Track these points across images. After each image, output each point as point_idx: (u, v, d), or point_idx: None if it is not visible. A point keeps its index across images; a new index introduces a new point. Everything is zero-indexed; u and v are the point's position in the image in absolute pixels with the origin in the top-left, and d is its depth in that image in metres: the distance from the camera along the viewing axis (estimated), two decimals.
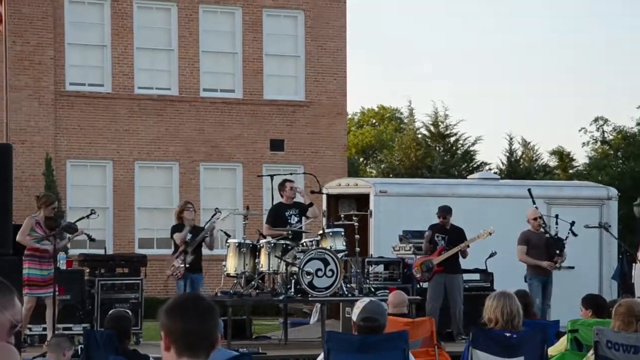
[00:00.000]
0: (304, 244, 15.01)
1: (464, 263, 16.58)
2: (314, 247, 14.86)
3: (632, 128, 38.60)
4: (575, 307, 10.84)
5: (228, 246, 15.17)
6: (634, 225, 27.98)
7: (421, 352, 10.32)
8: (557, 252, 16.03)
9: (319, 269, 14.60)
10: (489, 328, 8.67)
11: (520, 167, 37.73)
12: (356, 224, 16.00)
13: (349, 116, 45.95)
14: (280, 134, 27.08)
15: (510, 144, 38.51)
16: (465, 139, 37.88)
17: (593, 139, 39.38)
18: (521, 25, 71.72)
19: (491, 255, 16.63)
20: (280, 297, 14.84)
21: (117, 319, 9.07)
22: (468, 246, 15.75)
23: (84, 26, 25.93)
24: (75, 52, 25.83)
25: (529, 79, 69.93)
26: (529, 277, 15.97)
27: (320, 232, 15.46)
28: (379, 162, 46.14)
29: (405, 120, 45.18)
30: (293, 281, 14.64)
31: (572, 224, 16.30)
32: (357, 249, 16.03)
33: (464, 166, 36.79)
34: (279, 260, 14.68)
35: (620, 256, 18.80)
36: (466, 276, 17.12)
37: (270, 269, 14.75)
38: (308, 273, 14.54)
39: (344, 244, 15.28)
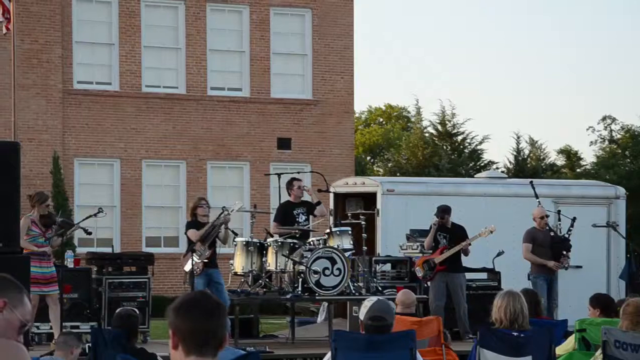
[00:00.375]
0: (311, 242, 15.01)
1: (471, 262, 16.56)
2: (321, 245, 14.85)
3: None
4: (583, 307, 10.83)
5: (235, 245, 15.17)
6: None
7: (429, 352, 10.31)
8: (564, 252, 16.01)
9: (326, 268, 14.60)
10: (496, 327, 8.67)
11: (528, 166, 37.65)
12: (363, 222, 15.99)
13: (356, 115, 45.92)
14: (287, 132, 27.09)
15: (518, 142, 38.44)
16: (473, 138, 37.82)
17: (601, 138, 39.32)
18: (529, 24, 71.67)
19: (499, 254, 16.62)
20: (288, 296, 14.84)
21: (125, 317, 9.08)
22: (469, 244, 15.72)
23: (92, 24, 25.96)
24: (83, 50, 25.86)
25: (537, 78, 69.87)
26: (533, 276, 15.94)
27: (328, 230, 15.45)
28: (386, 160, 46.10)
29: (413, 119, 45.14)
30: (300, 280, 14.64)
31: (574, 219, 16.30)
32: (365, 248, 16.02)
33: (471, 165, 36.72)
34: (286, 259, 14.68)
35: (628, 255, 18.77)
36: (473, 275, 17.11)
37: (278, 268, 14.75)
38: (315, 272, 14.54)
39: (351, 242, 15.28)
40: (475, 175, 27.42)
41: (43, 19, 25.28)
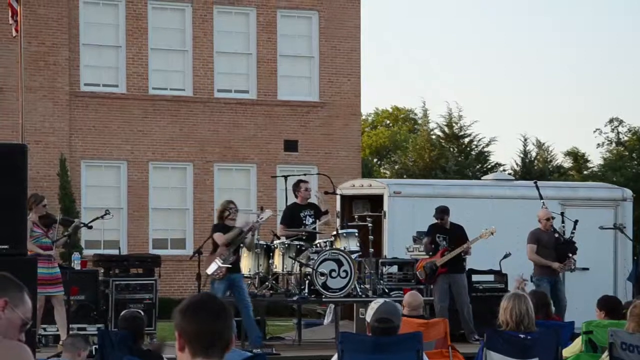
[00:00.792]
0: (318, 244, 15.02)
1: (478, 264, 16.55)
2: (327, 247, 14.86)
3: None
4: (589, 309, 10.81)
5: (242, 247, 15.17)
6: None
7: (435, 354, 10.31)
8: (569, 255, 16.00)
9: (333, 270, 14.60)
10: (502, 330, 8.67)
11: (535, 168, 37.62)
12: (370, 224, 16.00)
13: (363, 117, 45.92)
14: (294, 134, 27.10)
15: (525, 145, 38.40)
16: (480, 140, 37.81)
17: (608, 140, 39.29)
18: (535, 26, 71.61)
19: (505, 256, 16.61)
20: (294, 298, 14.85)
21: (131, 319, 9.09)
22: (470, 247, 15.67)
23: (99, 27, 26.00)
24: (90, 52, 25.90)
25: (544, 80, 69.80)
26: (536, 278, 15.91)
27: (334, 232, 15.46)
28: (393, 163, 46.09)
29: (420, 121, 45.13)
30: (307, 282, 14.65)
31: (576, 222, 16.31)
32: (371, 250, 16.03)
33: (478, 167, 36.70)
34: (293, 261, 14.69)
35: (636, 257, 18.75)
36: (480, 277, 17.09)
37: (284, 270, 14.75)
38: (322, 274, 14.54)
39: (358, 244, 15.28)
40: (482, 178, 27.41)
41: (50, 22, 25.32)
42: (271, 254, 14.87)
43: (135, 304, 15.31)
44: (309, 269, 14.53)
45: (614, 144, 39.25)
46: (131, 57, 26.01)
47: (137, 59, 26.06)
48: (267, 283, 14.77)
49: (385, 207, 19.31)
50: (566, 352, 9.24)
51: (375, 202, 19.72)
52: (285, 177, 16.90)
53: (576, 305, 16.77)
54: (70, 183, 24.51)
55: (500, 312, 8.71)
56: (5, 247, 11.93)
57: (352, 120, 27.90)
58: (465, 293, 15.76)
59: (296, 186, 15.56)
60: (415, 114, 50.58)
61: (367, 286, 15.55)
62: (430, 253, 15.85)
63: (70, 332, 13.38)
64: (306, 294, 14.72)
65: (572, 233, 16.28)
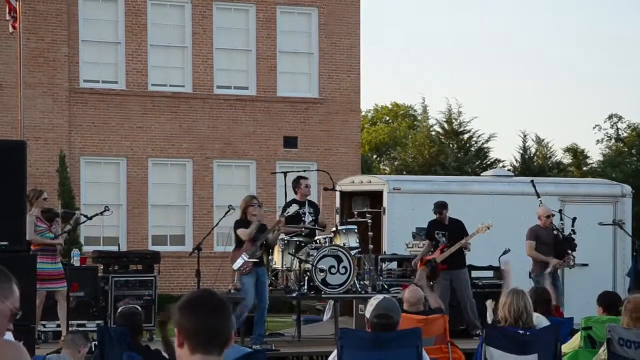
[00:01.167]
0: (318, 241, 15.02)
1: (477, 260, 16.54)
2: (327, 244, 14.86)
3: None
4: (588, 305, 10.83)
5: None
6: None
7: (435, 349, 10.31)
8: (569, 251, 16.00)
9: (332, 266, 14.61)
10: (502, 325, 8.68)
11: (534, 164, 37.64)
12: (369, 221, 16.01)
13: (363, 113, 45.89)
14: (293, 131, 27.09)
15: (524, 141, 38.43)
16: (479, 136, 37.84)
17: (607, 136, 39.32)
18: (536, 22, 71.59)
19: (505, 253, 16.60)
20: (294, 294, 14.86)
21: (129, 315, 9.08)
22: (469, 242, 15.66)
23: (98, 23, 25.99)
24: (89, 49, 25.89)
25: (543, 76, 69.79)
26: (535, 274, 15.91)
27: (334, 229, 15.46)
28: (393, 159, 46.11)
29: (419, 118, 45.14)
30: (306, 278, 14.66)
31: (574, 219, 16.32)
32: (371, 246, 16.03)
33: (477, 163, 36.72)
34: (293, 257, 14.69)
35: (635, 253, 18.75)
36: (479, 273, 17.10)
37: (284, 266, 14.76)
38: (321, 270, 14.55)
39: (357, 241, 15.28)
40: (481, 174, 27.41)
41: (49, 18, 25.31)
42: (271, 250, 14.87)
43: (135, 300, 15.31)
44: (308, 265, 14.54)
45: (613, 140, 39.28)
46: (130, 54, 26.00)
47: (136, 55, 26.04)
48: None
49: (385, 204, 19.32)
50: (565, 347, 9.25)
51: (374, 198, 19.72)
52: (285, 173, 16.89)
53: (575, 301, 16.78)
54: (70, 179, 24.50)
55: (499, 308, 8.73)
56: (5, 243, 11.95)
57: (351, 117, 27.89)
58: (467, 288, 15.75)
59: (296, 182, 15.56)
60: (415, 110, 50.60)
61: (367, 282, 15.56)
62: (431, 250, 15.85)
63: (70, 329, 13.39)
64: (305, 290, 14.73)
65: (572, 230, 16.28)
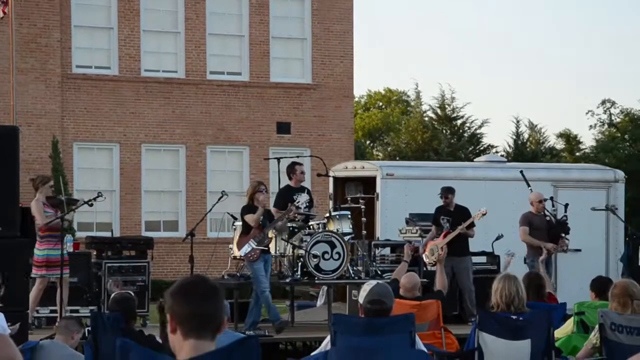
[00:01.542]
0: (311, 226, 15.02)
1: (471, 246, 16.53)
2: (320, 230, 14.86)
3: (639, 110, 38.53)
4: (581, 290, 10.85)
5: (235, 229, 15.15)
6: None
7: (428, 335, 10.33)
8: (563, 235, 16.02)
9: (326, 252, 14.61)
10: (495, 311, 8.69)
11: (527, 150, 37.67)
12: (363, 206, 16.00)
13: (356, 99, 45.87)
14: (286, 116, 27.07)
15: (517, 126, 38.45)
16: (472, 122, 37.83)
17: (600, 122, 39.32)
18: (529, 6, 71.54)
19: (498, 238, 16.63)
20: (287, 280, 14.86)
21: (122, 300, 9.07)
22: (465, 229, 15.61)
23: (91, 8, 25.91)
24: (81, 34, 25.81)
25: (536, 61, 69.77)
26: (530, 259, 15.92)
27: (327, 215, 15.46)
28: (386, 145, 46.09)
29: (412, 103, 45.11)
30: (300, 264, 14.66)
31: (566, 206, 16.34)
32: (364, 232, 16.02)
33: (470, 149, 36.73)
34: (286, 243, 14.68)
35: (627, 239, 18.80)
36: (473, 259, 17.11)
37: (277, 252, 14.75)
38: (315, 256, 14.55)
39: (351, 226, 15.28)
40: (474, 159, 27.43)
41: (42, 3, 25.22)
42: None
43: (128, 286, 15.31)
44: (301, 251, 14.54)
45: (606, 126, 39.29)
46: (123, 39, 25.93)
47: (129, 40, 25.97)
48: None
49: (378, 189, 19.32)
50: (558, 332, 9.27)
51: (367, 184, 19.72)
52: (278, 159, 16.86)
53: (568, 287, 16.81)
54: (62, 165, 24.46)
55: (492, 294, 8.75)
56: None
57: (344, 102, 27.87)
58: (467, 276, 15.70)
59: (291, 168, 15.47)
60: (408, 96, 50.57)
61: (360, 268, 15.56)
62: (436, 235, 15.84)
63: (65, 315, 13.39)
64: (299, 276, 14.73)
65: (565, 215, 16.31)
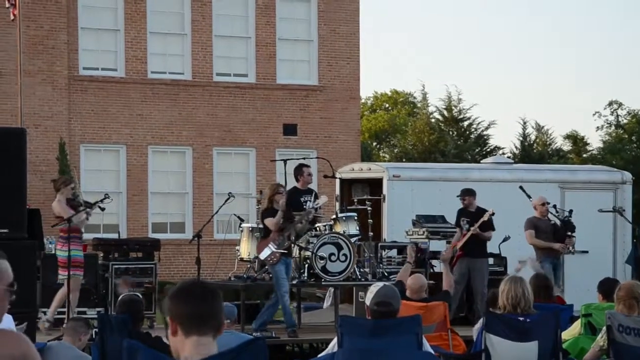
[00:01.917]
0: (318, 228, 15.01)
1: None
2: (327, 231, 14.86)
3: None
4: (588, 292, 10.83)
5: (241, 231, 15.15)
6: None
7: (435, 337, 10.31)
8: (569, 233, 16.04)
9: (332, 254, 14.60)
10: (501, 313, 8.69)
11: (534, 152, 37.65)
12: (369, 208, 16.00)
13: (362, 100, 45.88)
14: (293, 118, 27.07)
15: (524, 128, 38.43)
16: (479, 124, 37.83)
17: (607, 123, 39.32)
18: (536, 7, 71.48)
19: (505, 240, 16.62)
20: (294, 282, 14.85)
21: (129, 302, 9.08)
22: (484, 231, 15.61)
23: (97, 10, 25.94)
24: (88, 36, 25.85)
25: (543, 63, 69.72)
26: (539, 260, 15.91)
27: (334, 216, 15.45)
28: (392, 146, 46.09)
29: (419, 105, 45.10)
30: (306, 265, 14.65)
31: (570, 212, 16.38)
32: (371, 234, 16.02)
33: (477, 150, 36.73)
34: (292, 245, 14.68)
35: (634, 240, 18.77)
36: None
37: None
38: (321, 257, 14.54)
39: (357, 228, 15.27)
40: (481, 161, 27.41)
41: (48, 5, 25.26)
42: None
43: (135, 287, 15.32)
44: (308, 253, 14.53)
45: (613, 127, 39.28)
46: (130, 41, 25.96)
47: (135, 42, 26.01)
48: (266, 267, 14.77)
49: (385, 191, 19.31)
50: (565, 334, 9.26)
51: (374, 185, 19.71)
52: (285, 161, 16.85)
53: (575, 288, 16.79)
54: (69, 167, 24.50)
55: (499, 296, 8.75)
56: (5, 230, 11.94)
57: (351, 104, 27.87)
58: (482, 278, 15.64)
59: (298, 170, 15.44)
60: (415, 98, 50.57)
61: (367, 270, 15.55)
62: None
63: (73, 316, 13.41)
64: (305, 278, 14.72)
65: (568, 214, 16.33)
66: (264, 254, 14.03)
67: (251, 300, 16.10)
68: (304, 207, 15.24)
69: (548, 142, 39.30)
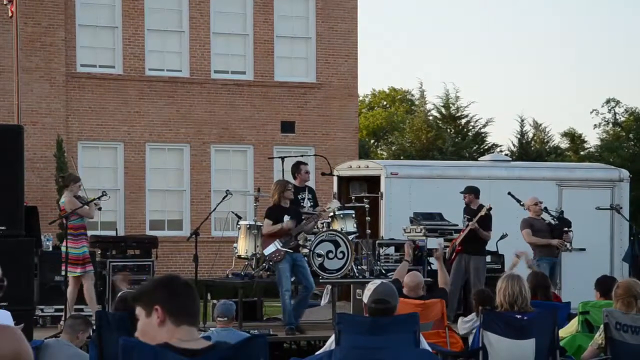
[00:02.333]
0: (315, 226, 15.00)
1: None
2: (324, 229, 14.86)
3: None
4: (586, 289, 10.84)
5: (239, 228, 15.15)
6: None
7: (432, 334, 10.32)
8: (565, 229, 16.08)
9: (330, 251, 14.60)
10: (499, 310, 8.70)
11: (532, 149, 37.65)
12: (367, 206, 15.99)
13: (360, 98, 45.88)
14: (291, 115, 27.07)
15: (522, 125, 38.43)
16: (477, 121, 37.82)
17: (605, 121, 39.34)
18: (534, 5, 71.49)
19: (502, 237, 16.63)
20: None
21: (127, 300, 9.07)
22: (484, 229, 15.65)
23: (95, 7, 25.92)
24: (86, 33, 25.83)
25: (541, 60, 69.73)
26: (537, 259, 15.92)
27: (331, 214, 15.45)
28: (390, 144, 46.08)
29: (417, 102, 45.10)
30: None
31: (561, 212, 16.43)
32: (368, 231, 16.01)
33: (475, 148, 36.72)
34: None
35: (632, 238, 18.77)
36: None
37: None
38: (319, 255, 14.55)
39: (355, 225, 15.27)
40: (479, 159, 27.42)
41: (46, 2, 25.24)
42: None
43: (133, 285, 15.30)
44: (306, 250, 14.53)
45: (610, 125, 39.30)
46: (127, 38, 25.94)
47: (133, 39, 25.99)
48: (264, 264, 14.77)
49: (382, 188, 19.31)
50: (563, 332, 9.27)
51: (372, 183, 19.71)
52: (282, 158, 16.86)
53: (573, 286, 16.79)
54: (67, 164, 24.49)
55: (496, 294, 8.76)
56: (2, 228, 11.95)
57: (349, 102, 27.87)
58: (480, 275, 15.66)
59: (296, 168, 15.46)
60: (412, 95, 50.58)
61: (364, 267, 15.56)
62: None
63: (72, 314, 13.41)
64: None
65: (561, 211, 16.37)
66: (268, 250, 14.00)
67: (248, 298, 16.10)
68: (302, 204, 15.26)
69: (546, 140, 39.31)
